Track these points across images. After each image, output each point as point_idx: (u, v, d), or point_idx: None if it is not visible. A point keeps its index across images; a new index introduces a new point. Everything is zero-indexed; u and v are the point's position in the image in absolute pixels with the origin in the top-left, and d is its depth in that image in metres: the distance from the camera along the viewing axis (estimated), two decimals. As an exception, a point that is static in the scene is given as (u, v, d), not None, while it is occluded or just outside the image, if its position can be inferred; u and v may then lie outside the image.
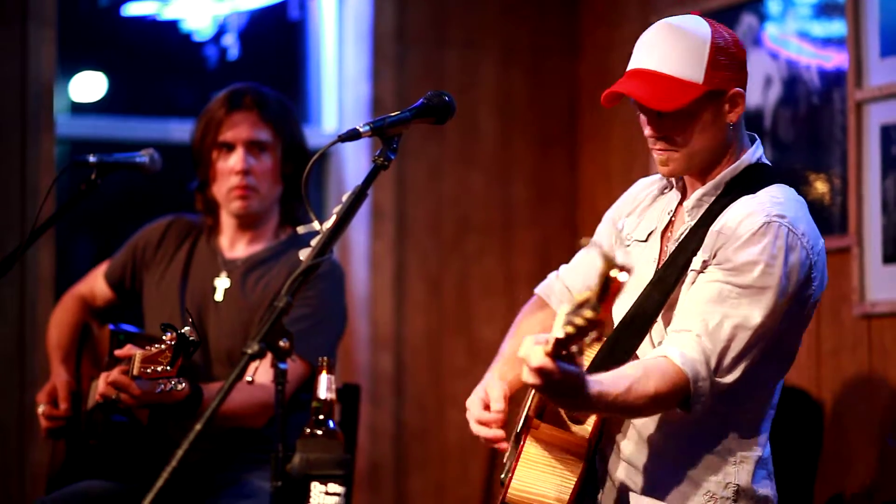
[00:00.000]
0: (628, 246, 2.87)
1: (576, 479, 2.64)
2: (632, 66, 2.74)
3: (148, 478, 2.28)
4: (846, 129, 4.17)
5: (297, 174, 3.59)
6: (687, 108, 2.66)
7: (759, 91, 4.51)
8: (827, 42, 4.30)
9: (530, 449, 2.67)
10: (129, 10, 5.14)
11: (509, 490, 2.63)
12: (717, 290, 2.60)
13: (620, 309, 2.77)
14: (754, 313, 2.60)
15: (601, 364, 2.63)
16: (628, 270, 2.03)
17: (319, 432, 2.42)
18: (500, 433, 2.74)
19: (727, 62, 2.69)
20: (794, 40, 4.41)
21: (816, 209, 4.31)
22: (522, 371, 2.36)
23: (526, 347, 2.32)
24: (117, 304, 3.73)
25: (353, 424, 3.79)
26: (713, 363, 2.57)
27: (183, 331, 2.98)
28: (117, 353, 3.18)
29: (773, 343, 2.66)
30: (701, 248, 2.67)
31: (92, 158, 3.31)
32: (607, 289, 2.05)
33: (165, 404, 3.18)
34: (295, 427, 2.63)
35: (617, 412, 2.60)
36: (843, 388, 4.22)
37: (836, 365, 4.23)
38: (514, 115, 5.25)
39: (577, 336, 2.14)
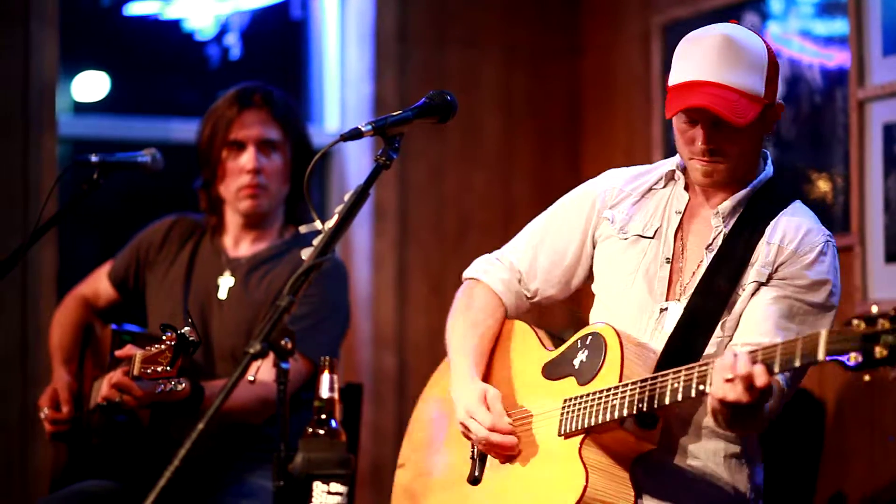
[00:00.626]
0: (625, 239, 2.86)
1: (631, 486, 2.66)
2: (692, 76, 2.71)
3: (150, 477, 2.27)
4: (848, 127, 4.17)
5: (301, 173, 3.59)
6: (750, 123, 2.69)
7: (762, 90, 4.51)
8: (829, 41, 4.30)
9: (589, 454, 2.66)
10: (132, 10, 5.14)
11: (586, 496, 2.61)
12: (788, 306, 2.67)
13: (636, 300, 2.78)
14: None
15: (670, 364, 2.64)
16: None
17: (322, 432, 2.42)
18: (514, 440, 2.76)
19: (776, 76, 2.77)
20: (796, 39, 4.41)
21: (819, 208, 4.31)
22: (719, 386, 2.40)
23: (744, 364, 2.38)
24: (120, 304, 3.74)
25: (356, 424, 3.79)
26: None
27: (183, 331, 2.99)
28: (118, 353, 3.18)
29: None
30: (757, 259, 2.71)
31: (94, 158, 3.31)
32: None
33: (166, 404, 3.18)
34: (297, 426, 2.64)
35: (751, 423, 2.64)
36: (844, 387, 4.21)
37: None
38: (516, 114, 5.25)
39: (865, 366, 2.15)
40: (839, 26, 4.25)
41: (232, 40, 5.20)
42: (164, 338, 3.04)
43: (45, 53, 4.55)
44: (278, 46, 5.38)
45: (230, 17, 5.22)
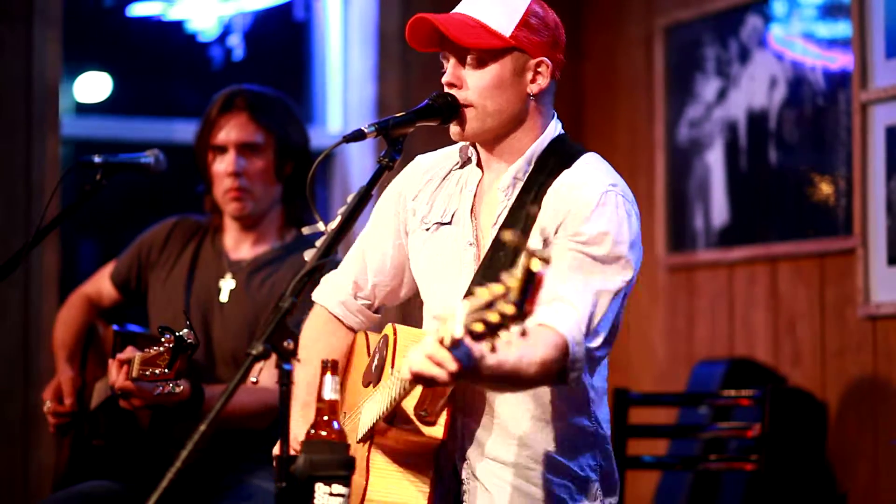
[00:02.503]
0: (428, 230, 2.79)
1: (430, 482, 2.62)
2: (455, 9, 2.71)
3: (152, 478, 2.28)
4: (851, 130, 4.17)
5: (298, 174, 3.60)
6: (490, 55, 2.66)
7: (765, 92, 4.51)
8: (832, 43, 4.30)
9: (377, 458, 2.62)
10: (135, 11, 5.14)
11: (365, 501, 2.58)
12: (573, 259, 2.57)
13: (450, 290, 2.72)
14: (612, 280, 2.58)
15: None
16: (548, 261, 2.00)
17: (324, 433, 2.42)
18: None
19: (539, 28, 2.74)
20: (799, 41, 4.41)
21: (821, 210, 4.32)
22: (413, 365, 2.30)
23: (427, 352, 2.27)
24: (123, 304, 3.74)
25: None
26: (583, 327, 2.53)
27: (180, 333, 2.99)
28: (119, 356, 3.18)
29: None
30: (535, 227, 2.62)
31: (97, 159, 3.31)
32: (531, 283, 2.00)
33: (166, 406, 3.18)
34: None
35: (509, 383, 2.52)
36: (847, 389, 4.21)
37: (841, 366, 4.23)
38: (519, 115, 5.25)
39: (488, 333, 2.08)
40: (842, 29, 4.25)
41: (235, 41, 5.20)
42: (162, 340, 3.04)
43: (48, 54, 4.55)
44: (281, 48, 5.38)
45: (233, 18, 5.23)
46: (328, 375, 2.46)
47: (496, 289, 2.05)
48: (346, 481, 2.34)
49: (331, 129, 5.25)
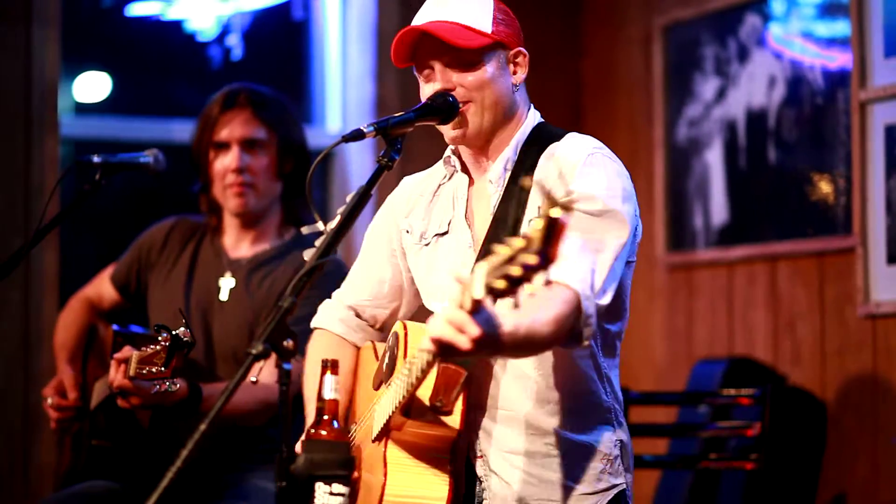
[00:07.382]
0: (427, 245, 2.81)
1: (448, 476, 2.60)
2: (424, 19, 2.69)
3: (151, 478, 2.28)
4: (850, 129, 4.17)
5: (297, 172, 3.61)
6: (479, 53, 2.66)
7: (764, 91, 4.52)
8: (831, 42, 4.30)
9: (393, 453, 2.60)
10: (133, 11, 5.14)
11: (385, 497, 2.56)
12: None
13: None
14: (608, 236, 2.56)
15: None
16: (568, 207, 1.98)
17: (324, 433, 2.42)
18: None
19: (508, 22, 2.73)
20: (798, 40, 4.41)
21: (821, 209, 4.32)
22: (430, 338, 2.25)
23: (448, 317, 2.21)
24: (124, 306, 3.75)
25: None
26: (589, 282, 2.49)
27: (176, 332, 2.99)
28: (116, 356, 3.19)
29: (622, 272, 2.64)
30: (529, 199, 2.63)
31: (96, 159, 3.32)
32: (553, 230, 1.98)
33: (165, 405, 3.18)
34: (299, 427, 2.64)
35: (526, 348, 2.46)
36: (847, 388, 4.21)
37: (841, 365, 4.23)
38: (518, 115, 5.25)
39: (511, 288, 2.04)
40: (841, 28, 4.25)
41: (234, 41, 5.20)
42: (158, 338, 3.04)
43: (47, 54, 4.55)
44: (280, 47, 5.38)
45: (232, 17, 5.23)
46: (328, 375, 2.46)
47: (516, 243, 2.03)
48: (346, 481, 2.35)
49: (329, 128, 5.25)
